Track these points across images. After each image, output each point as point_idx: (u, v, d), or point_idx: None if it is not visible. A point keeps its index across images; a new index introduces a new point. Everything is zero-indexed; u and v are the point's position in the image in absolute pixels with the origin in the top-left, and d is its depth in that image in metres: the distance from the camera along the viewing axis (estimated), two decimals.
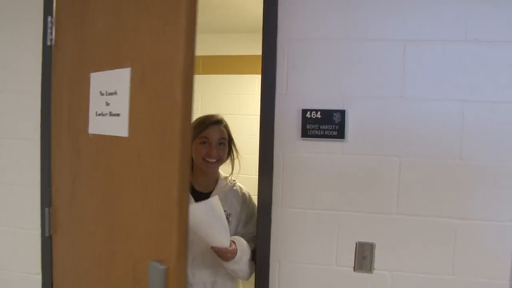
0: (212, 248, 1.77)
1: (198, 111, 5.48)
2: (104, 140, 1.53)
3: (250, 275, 1.97)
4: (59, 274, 1.91)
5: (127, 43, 1.45)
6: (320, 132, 1.81)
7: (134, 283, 1.40)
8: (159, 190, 1.33)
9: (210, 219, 1.74)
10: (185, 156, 1.26)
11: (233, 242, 1.86)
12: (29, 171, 2.10)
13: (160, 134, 1.32)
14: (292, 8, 1.84)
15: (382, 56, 1.79)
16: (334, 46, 1.81)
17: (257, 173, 1.91)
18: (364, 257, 1.82)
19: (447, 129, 1.75)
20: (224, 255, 1.81)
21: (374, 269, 1.82)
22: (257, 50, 1.94)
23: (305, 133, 1.82)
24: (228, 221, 1.96)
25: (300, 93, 1.84)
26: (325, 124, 1.80)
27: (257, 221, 1.89)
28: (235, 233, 2.04)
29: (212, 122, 2.02)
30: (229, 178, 2.12)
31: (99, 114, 1.53)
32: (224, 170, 2.18)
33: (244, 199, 2.10)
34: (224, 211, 1.85)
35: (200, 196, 1.99)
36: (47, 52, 2.02)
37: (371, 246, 1.81)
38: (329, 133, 1.80)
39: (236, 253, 1.84)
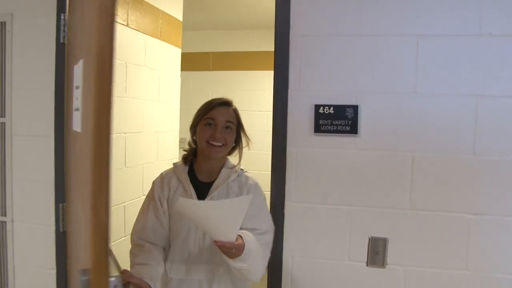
0: (216, 242, 1.52)
1: None
2: (75, 136, 1.52)
3: (259, 276, 1.73)
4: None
5: (83, 36, 1.43)
6: (333, 127, 1.81)
7: None
8: (81, 193, 1.28)
9: (221, 216, 1.53)
10: (101, 155, 1.05)
11: (240, 236, 1.60)
12: (44, 168, 2.12)
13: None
14: (304, 4, 1.85)
15: (395, 52, 1.79)
16: (347, 41, 1.81)
17: (269, 169, 1.92)
18: (377, 252, 1.83)
19: (460, 124, 1.75)
20: (228, 251, 1.55)
21: (387, 264, 1.83)
22: (268, 47, 1.95)
23: (318, 129, 1.83)
24: None
25: (313, 89, 1.84)
26: (338, 120, 1.81)
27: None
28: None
29: (219, 103, 1.80)
30: (237, 167, 1.84)
31: (75, 109, 1.52)
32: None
33: (250, 190, 1.81)
34: None
35: (202, 186, 1.80)
36: (61, 50, 2.04)
37: (384, 241, 1.82)
38: (342, 128, 1.80)
39: (243, 250, 1.58)
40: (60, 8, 2.03)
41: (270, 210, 1.88)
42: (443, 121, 1.76)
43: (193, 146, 1.86)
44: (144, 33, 2.90)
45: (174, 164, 1.88)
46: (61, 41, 2.01)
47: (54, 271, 2.14)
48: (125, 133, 2.75)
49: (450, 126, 1.76)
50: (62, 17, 2.00)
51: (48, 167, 2.11)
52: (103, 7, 1.02)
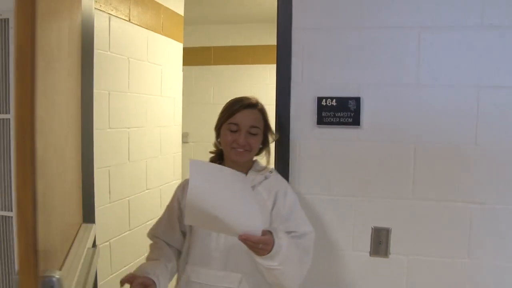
0: (240, 237, 1.34)
1: (210, 102, 5.56)
2: None
3: (295, 282, 1.56)
4: None
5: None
6: (336, 119, 1.83)
7: None
8: None
9: (241, 193, 1.39)
10: (24, 148, 0.94)
11: (270, 232, 1.43)
12: None
13: None
14: None
15: (396, 44, 1.80)
16: (349, 34, 1.83)
17: (273, 162, 1.94)
18: (380, 242, 1.85)
19: (462, 115, 1.77)
20: (254, 246, 1.37)
21: (390, 253, 1.85)
22: (269, 40, 1.96)
23: (321, 121, 1.84)
24: None
25: (315, 82, 1.86)
26: (341, 112, 1.82)
27: None
28: None
29: (244, 106, 1.67)
30: (265, 170, 1.72)
31: None
32: None
33: (279, 193, 1.67)
34: None
35: None
36: None
37: (387, 231, 1.84)
38: (344, 120, 1.82)
39: (273, 246, 1.40)
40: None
41: None
42: (445, 112, 1.78)
43: (219, 147, 1.75)
44: (146, 28, 2.92)
45: None
46: None
47: None
48: (128, 128, 2.77)
49: (452, 117, 1.77)
50: None
51: None
52: None
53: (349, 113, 1.82)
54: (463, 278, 1.81)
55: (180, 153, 3.57)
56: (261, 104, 1.73)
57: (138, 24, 2.83)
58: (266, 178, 1.69)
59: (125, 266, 2.77)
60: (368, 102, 1.82)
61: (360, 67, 1.83)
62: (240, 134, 1.63)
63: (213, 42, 5.34)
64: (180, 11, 3.46)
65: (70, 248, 1.42)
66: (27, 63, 0.94)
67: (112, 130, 2.59)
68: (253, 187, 1.65)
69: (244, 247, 1.39)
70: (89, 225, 1.79)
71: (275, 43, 1.91)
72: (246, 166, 1.71)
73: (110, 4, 2.51)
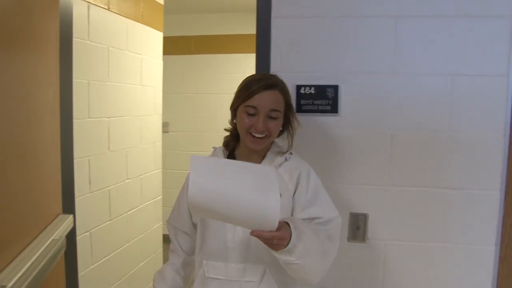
0: (252, 232, 1.23)
1: (191, 91, 5.54)
2: None
3: (318, 276, 1.44)
4: None
5: None
6: (314, 107, 1.85)
7: None
8: None
9: (251, 187, 1.23)
10: None
11: (287, 224, 1.30)
12: None
13: None
14: None
15: (374, 32, 1.83)
16: (327, 23, 1.85)
17: None
18: (357, 228, 1.88)
19: (437, 102, 1.81)
20: (269, 241, 1.26)
21: (367, 239, 1.89)
22: (250, 29, 1.96)
23: (300, 108, 1.86)
24: None
25: (295, 70, 1.88)
26: (319, 99, 1.85)
27: None
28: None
29: (263, 87, 1.48)
30: (286, 152, 1.58)
31: None
32: None
33: (301, 176, 1.54)
34: None
35: None
36: None
37: (364, 217, 1.88)
38: (323, 108, 1.85)
39: (290, 240, 1.28)
40: None
41: None
42: (421, 99, 1.82)
43: (234, 128, 1.62)
44: (125, 17, 2.90)
45: (213, 147, 1.67)
46: None
47: None
48: (108, 118, 2.76)
49: (428, 104, 1.81)
50: None
51: None
52: None
53: (327, 101, 1.84)
54: (439, 262, 1.86)
55: (161, 143, 3.57)
56: (282, 83, 1.55)
57: (118, 12, 2.81)
58: (286, 160, 1.55)
59: (106, 256, 2.77)
60: (346, 90, 1.85)
61: (338, 56, 1.85)
62: (258, 118, 1.47)
63: (194, 31, 5.32)
64: (161, 0, 3.45)
65: (32, 240, 1.39)
66: None
67: (91, 120, 2.58)
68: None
69: None
70: (65, 215, 1.77)
71: (255, 32, 1.92)
72: (264, 148, 1.57)
73: None
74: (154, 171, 3.42)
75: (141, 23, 3.12)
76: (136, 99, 3.12)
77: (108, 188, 2.79)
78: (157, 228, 3.53)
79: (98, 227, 2.68)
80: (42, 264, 1.34)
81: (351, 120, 1.86)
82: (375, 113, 1.84)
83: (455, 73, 1.79)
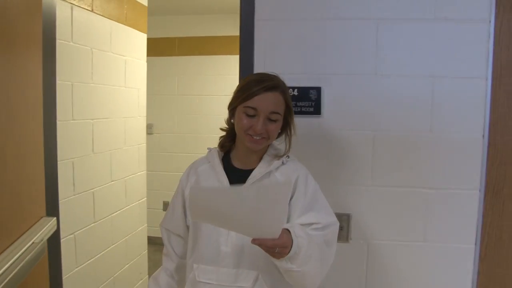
0: (253, 241, 1.21)
1: (175, 93, 5.54)
2: None
3: (317, 282, 1.43)
4: None
5: None
6: (297, 108, 1.87)
7: None
8: None
9: (253, 210, 1.18)
10: None
11: (287, 231, 1.29)
12: None
13: None
14: None
15: (356, 35, 1.85)
16: (310, 25, 1.87)
17: None
18: (341, 228, 1.89)
19: (418, 104, 1.84)
20: (271, 249, 1.24)
21: (350, 239, 1.91)
22: (233, 31, 1.97)
23: None
24: None
25: (278, 72, 1.86)
26: (302, 101, 1.86)
27: None
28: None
29: (264, 88, 1.43)
30: (283, 155, 1.54)
31: None
32: None
33: (299, 180, 1.50)
34: None
35: (238, 174, 1.52)
36: None
37: (347, 217, 1.90)
38: (306, 109, 1.86)
39: (291, 248, 1.27)
40: None
41: None
42: (402, 100, 1.85)
43: (231, 127, 1.58)
44: (109, 18, 2.89)
45: (208, 148, 1.62)
46: None
47: None
48: (92, 119, 2.76)
49: (409, 106, 1.84)
50: None
51: None
52: None
53: (310, 102, 1.86)
54: (421, 261, 1.89)
55: (145, 144, 3.57)
56: (283, 85, 1.50)
57: (101, 14, 2.80)
58: (283, 163, 1.51)
59: (90, 259, 2.76)
60: (328, 92, 1.87)
61: (320, 58, 1.87)
62: (258, 120, 1.43)
63: (177, 32, 5.32)
64: (144, 1, 3.44)
65: (11, 244, 1.38)
66: None
67: (75, 122, 2.57)
68: (269, 173, 1.49)
69: None
70: (49, 218, 1.75)
71: (239, 34, 1.93)
72: (261, 151, 1.53)
73: None
74: (138, 173, 3.41)
75: (124, 24, 3.11)
76: (120, 101, 3.11)
77: (92, 190, 2.78)
78: (142, 230, 3.52)
79: (82, 229, 2.67)
80: (19, 267, 1.32)
81: (334, 122, 1.88)
82: (358, 114, 1.87)
83: (435, 75, 1.82)
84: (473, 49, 1.80)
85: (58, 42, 2.24)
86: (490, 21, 1.78)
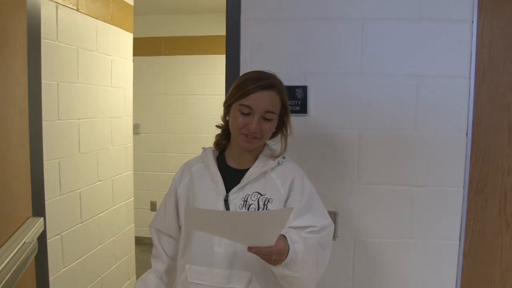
0: (249, 249, 1.20)
1: (161, 93, 5.53)
2: None
3: (312, 286, 1.45)
4: None
5: None
6: None
7: None
8: None
9: (251, 229, 1.20)
10: None
11: (283, 236, 1.29)
12: None
13: None
14: None
15: (341, 34, 1.87)
16: (296, 25, 1.88)
17: None
18: None
19: (403, 103, 1.86)
20: (267, 257, 1.23)
21: (337, 236, 1.92)
22: (220, 31, 1.97)
23: None
24: (266, 209, 1.44)
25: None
26: (288, 100, 1.84)
27: None
28: None
29: (260, 87, 1.41)
30: (278, 155, 1.52)
31: None
32: None
33: (295, 182, 1.49)
34: (262, 195, 1.45)
35: (233, 173, 1.50)
36: None
37: (334, 215, 1.91)
38: (292, 108, 1.86)
39: (288, 254, 1.26)
40: None
41: None
42: (387, 100, 1.87)
43: (226, 125, 1.55)
44: (95, 17, 2.88)
45: (203, 148, 1.60)
46: None
47: None
48: (78, 119, 2.74)
49: (394, 104, 1.86)
50: None
51: None
52: None
53: (296, 101, 1.88)
54: (406, 257, 1.91)
55: (132, 144, 3.55)
56: (280, 84, 1.48)
57: (87, 13, 2.79)
58: (279, 164, 1.50)
59: (77, 259, 2.75)
60: (314, 91, 1.89)
61: (306, 57, 1.88)
62: (252, 119, 1.41)
63: (164, 32, 5.31)
64: (130, 0, 3.43)
65: (3, 244, 1.38)
66: None
67: (61, 122, 2.56)
68: (265, 173, 1.48)
69: None
70: (36, 218, 1.75)
71: (225, 34, 1.94)
72: (256, 150, 1.52)
73: None
74: (125, 173, 3.40)
75: (110, 24, 3.10)
76: (107, 101, 3.10)
77: (79, 190, 2.76)
78: (129, 230, 3.51)
79: (69, 230, 2.66)
80: (14, 267, 1.33)
81: (320, 120, 1.90)
82: (343, 113, 1.89)
83: (420, 74, 1.84)
84: (456, 49, 1.83)
85: (43, 41, 2.23)
86: (472, 22, 1.81)
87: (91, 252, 2.91)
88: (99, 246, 3.01)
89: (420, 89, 1.85)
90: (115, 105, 3.23)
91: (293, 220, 1.42)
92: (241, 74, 1.85)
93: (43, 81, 2.20)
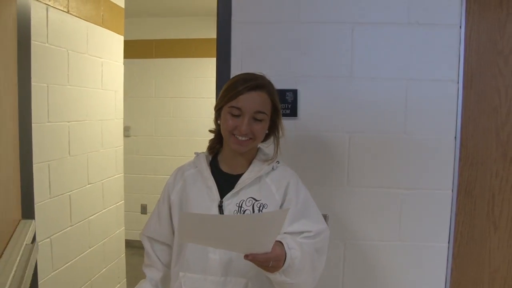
0: (246, 257, 1.18)
1: (152, 95, 5.52)
2: None
3: None
4: None
5: None
6: None
7: None
8: None
9: (247, 234, 1.17)
10: None
11: (280, 243, 1.28)
12: None
13: None
14: None
15: (332, 38, 1.88)
16: (287, 28, 1.89)
17: None
18: None
19: (392, 106, 1.88)
20: (264, 264, 1.21)
21: None
22: (211, 34, 1.97)
23: None
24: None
25: None
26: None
27: None
28: None
29: (249, 87, 1.40)
30: (272, 160, 1.51)
31: None
32: None
33: (290, 187, 1.48)
34: (257, 200, 1.43)
35: (227, 178, 1.48)
36: None
37: (324, 218, 1.91)
38: (282, 111, 1.84)
39: (285, 260, 1.25)
40: None
41: None
42: (376, 103, 1.88)
43: (218, 129, 1.53)
44: (85, 20, 2.87)
45: (195, 153, 1.57)
46: None
47: None
48: (68, 122, 2.73)
49: (383, 108, 1.88)
50: None
51: None
52: None
53: (287, 104, 1.88)
54: (395, 260, 1.93)
55: (122, 147, 3.54)
56: (270, 84, 1.47)
57: (77, 15, 2.78)
58: (273, 169, 1.49)
59: (67, 263, 2.73)
60: (305, 94, 1.90)
61: (297, 60, 1.90)
62: (243, 120, 1.39)
63: (155, 35, 5.30)
64: (121, 3, 3.42)
65: (6, 246, 1.39)
66: None
67: (51, 124, 2.54)
68: (259, 178, 1.46)
69: None
70: (28, 221, 1.75)
71: (216, 37, 1.94)
72: (249, 155, 1.50)
73: None
74: (115, 176, 3.39)
75: (101, 26, 3.09)
76: (97, 103, 3.08)
77: (69, 193, 2.75)
78: (120, 233, 3.49)
79: (59, 233, 2.64)
80: (27, 271, 1.34)
81: (310, 124, 1.91)
82: (333, 116, 1.90)
83: (409, 78, 1.86)
84: (445, 53, 1.85)
85: (33, 43, 2.22)
86: (460, 26, 1.83)
87: (81, 255, 2.89)
88: (89, 249, 3.00)
89: (409, 93, 1.87)
90: (105, 107, 3.22)
91: (288, 225, 1.40)
92: (231, 77, 1.86)
93: (33, 83, 2.19)
